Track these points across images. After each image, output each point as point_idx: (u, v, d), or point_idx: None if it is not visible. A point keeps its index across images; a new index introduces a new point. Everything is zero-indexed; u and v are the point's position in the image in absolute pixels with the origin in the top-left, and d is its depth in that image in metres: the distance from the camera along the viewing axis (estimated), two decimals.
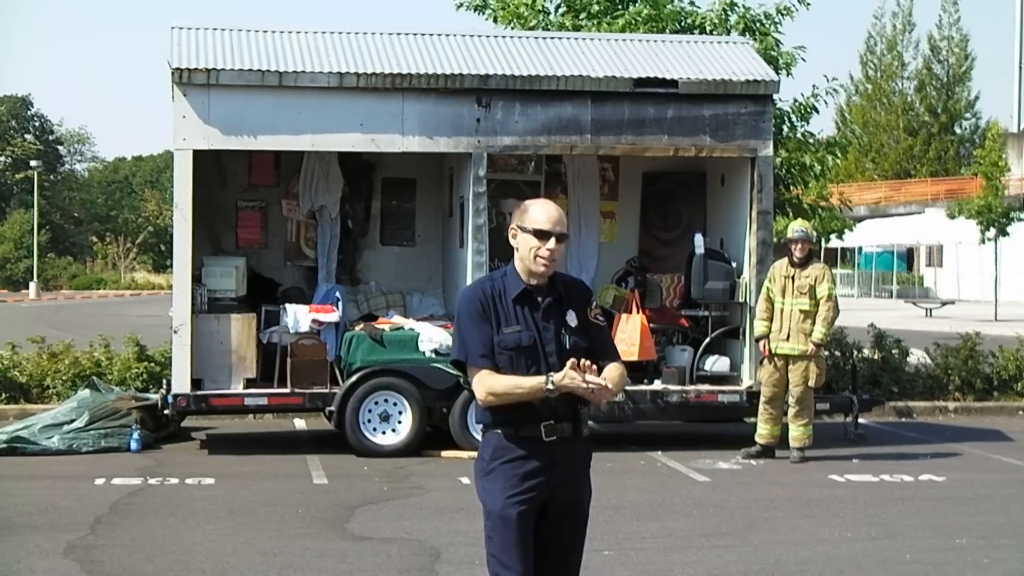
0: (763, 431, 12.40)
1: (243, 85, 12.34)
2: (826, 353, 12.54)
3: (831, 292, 12.36)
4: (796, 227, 12.53)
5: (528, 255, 4.96)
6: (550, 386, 4.84)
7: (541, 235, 4.93)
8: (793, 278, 12.39)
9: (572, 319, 5.03)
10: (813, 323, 12.25)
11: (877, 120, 74.03)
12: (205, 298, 12.72)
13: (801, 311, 12.31)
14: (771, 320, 12.41)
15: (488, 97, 12.68)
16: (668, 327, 13.74)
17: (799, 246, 12.38)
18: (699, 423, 14.05)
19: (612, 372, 5.00)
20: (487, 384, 4.93)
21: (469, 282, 12.60)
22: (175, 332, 12.26)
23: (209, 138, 12.36)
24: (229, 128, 12.39)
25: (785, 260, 12.50)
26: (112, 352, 15.37)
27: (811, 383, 12.30)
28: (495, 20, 17.32)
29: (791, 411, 12.35)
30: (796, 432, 12.33)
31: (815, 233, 12.63)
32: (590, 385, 4.83)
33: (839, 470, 11.87)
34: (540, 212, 4.96)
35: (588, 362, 4.88)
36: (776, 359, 12.37)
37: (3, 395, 14.94)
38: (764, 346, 12.47)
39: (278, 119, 12.45)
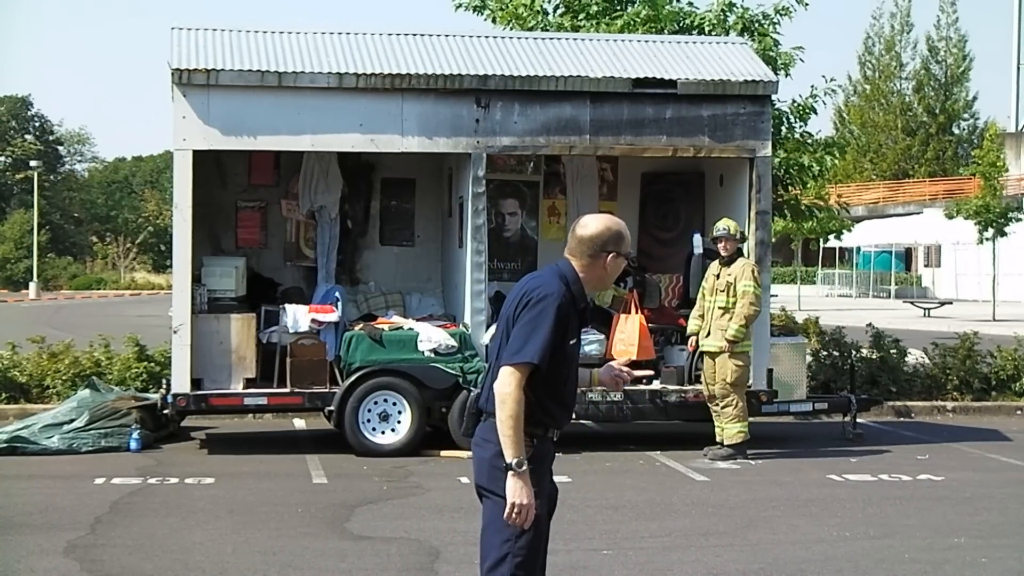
0: (717, 430, 12.49)
1: (243, 85, 12.36)
2: (749, 350, 12.47)
3: (747, 289, 12.33)
4: (720, 225, 12.60)
5: (613, 276, 5.21)
6: (518, 467, 4.91)
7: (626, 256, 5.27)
8: (719, 275, 12.50)
9: None
10: (731, 320, 12.36)
11: (875, 120, 74.06)
12: (205, 298, 12.74)
13: (720, 308, 12.45)
14: (702, 318, 12.61)
15: (487, 97, 12.70)
16: (667, 327, 13.77)
17: (723, 244, 12.51)
18: (698, 422, 14.06)
19: None
20: (519, 397, 4.94)
21: (468, 282, 12.67)
22: (175, 332, 12.27)
23: (209, 138, 12.38)
24: (229, 128, 12.41)
25: (718, 259, 12.66)
26: (112, 352, 15.39)
27: (728, 380, 12.34)
28: (494, 21, 17.35)
29: (714, 409, 12.46)
30: (725, 431, 12.39)
31: (741, 231, 12.60)
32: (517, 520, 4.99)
33: (837, 469, 11.89)
34: (628, 235, 5.26)
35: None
36: (706, 357, 12.57)
37: (3, 395, 14.96)
38: (691, 343, 12.81)
39: (278, 119, 12.47)
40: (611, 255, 5.13)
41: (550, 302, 4.99)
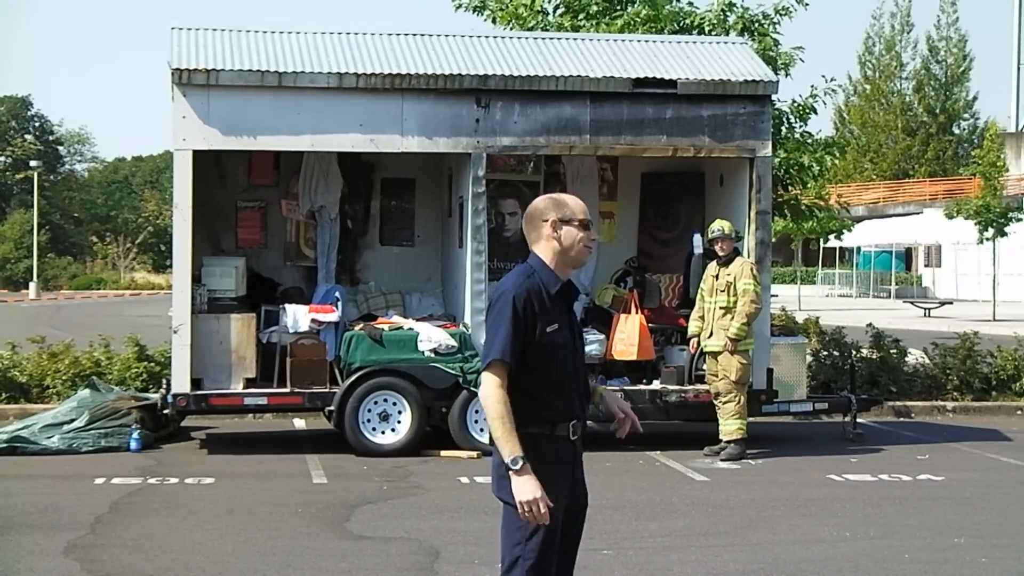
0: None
1: (243, 85, 12.36)
2: (751, 347, 12.52)
3: (747, 287, 12.39)
4: (715, 226, 12.64)
5: (576, 246, 5.05)
6: (516, 466, 4.86)
7: (584, 225, 5.07)
8: (717, 276, 12.53)
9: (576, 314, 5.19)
10: (733, 319, 12.39)
11: (875, 120, 74.03)
12: (205, 298, 12.74)
13: (721, 308, 12.50)
14: (703, 319, 12.64)
15: (487, 97, 12.70)
16: (667, 327, 13.77)
17: (719, 245, 12.56)
18: (698, 423, 14.06)
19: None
20: (499, 396, 4.90)
21: (468, 282, 12.67)
22: (175, 332, 12.28)
23: (209, 138, 12.38)
24: (229, 128, 12.41)
25: (715, 260, 12.70)
26: (112, 352, 15.40)
27: (732, 378, 12.37)
28: (494, 21, 17.36)
29: (716, 405, 12.47)
30: (722, 427, 12.44)
31: (735, 231, 12.68)
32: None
33: (837, 469, 11.89)
34: (578, 204, 5.11)
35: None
36: (708, 357, 12.60)
37: (3, 395, 14.96)
38: (692, 345, 12.84)
39: (278, 119, 12.47)
40: (550, 222, 5.04)
41: (506, 298, 4.99)
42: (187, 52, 12.56)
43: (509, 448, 4.87)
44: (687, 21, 16.98)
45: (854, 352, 16.24)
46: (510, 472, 4.88)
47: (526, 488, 4.86)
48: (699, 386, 12.95)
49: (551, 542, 4.98)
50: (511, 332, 4.93)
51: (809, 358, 15.52)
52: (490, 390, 4.92)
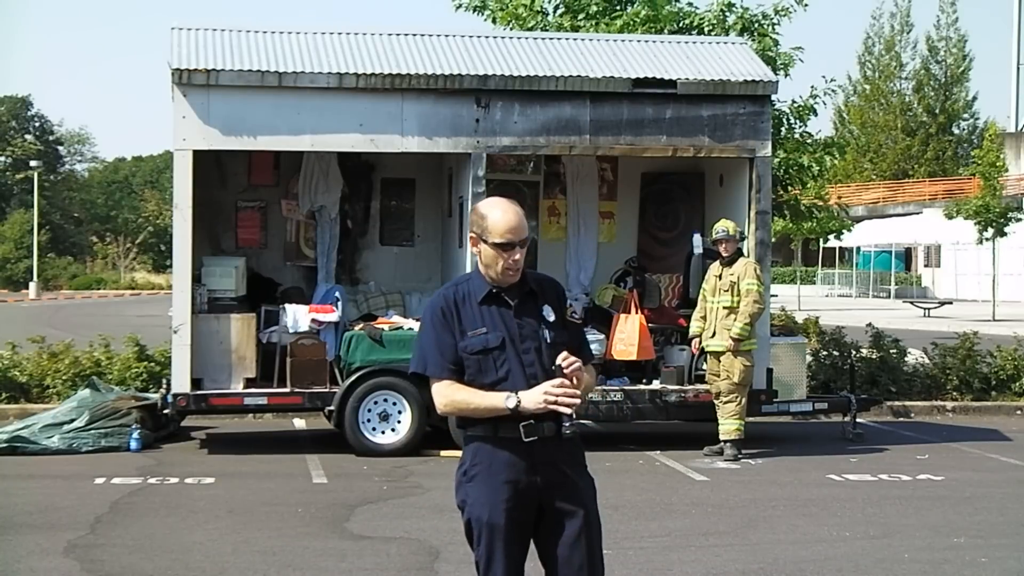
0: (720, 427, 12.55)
1: (243, 86, 12.37)
2: (754, 348, 12.53)
3: (751, 287, 12.40)
4: (719, 227, 12.64)
5: (494, 264, 4.77)
6: (511, 404, 4.68)
7: (504, 248, 4.74)
8: (720, 276, 12.54)
9: (549, 314, 4.85)
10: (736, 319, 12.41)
11: (875, 120, 74.01)
12: (205, 298, 12.75)
13: (724, 308, 12.50)
14: (705, 319, 12.64)
15: (487, 97, 12.71)
16: (667, 327, 13.78)
17: (723, 245, 12.56)
18: (698, 422, 14.07)
19: (584, 380, 4.82)
20: (445, 395, 4.80)
21: None
22: (175, 332, 12.28)
23: (209, 138, 12.39)
24: (229, 128, 12.41)
25: (718, 260, 12.71)
26: (112, 352, 15.40)
27: (735, 379, 12.37)
28: (494, 21, 17.39)
29: (717, 405, 12.48)
30: (721, 426, 12.44)
31: (739, 231, 12.69)
32: (562, 405, 4.68)
33: (837, 469, 11.90)
34: (500, 224, 4.73)
35: (574, 367, 4.72)
36: (710, 356, 12.60)
37: (3, 395, 14.96)
38: (695, 345, 12.81)
39: (278, 119, 12.48)
40: (471, 236, 4.81)
41: (425, 310, 4.91)
42: (187, 52, 12.57)
43: (493, 399, 4.72)
44: (687, 21, 17.00)
45: (854, 352, 16.25)
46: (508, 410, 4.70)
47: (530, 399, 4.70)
48: (699, 386, 12.95)
49: (494, 546, 4.77)
50: (424, 343, 4.83)
51: (809, 358, 15.53)
52: (436, 404, 4.82)
